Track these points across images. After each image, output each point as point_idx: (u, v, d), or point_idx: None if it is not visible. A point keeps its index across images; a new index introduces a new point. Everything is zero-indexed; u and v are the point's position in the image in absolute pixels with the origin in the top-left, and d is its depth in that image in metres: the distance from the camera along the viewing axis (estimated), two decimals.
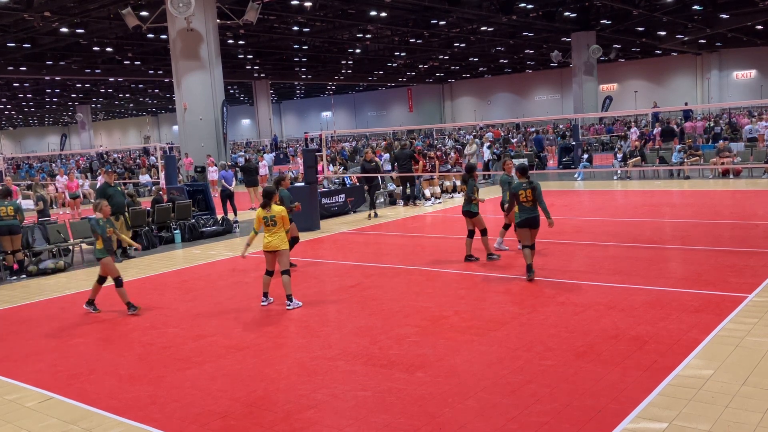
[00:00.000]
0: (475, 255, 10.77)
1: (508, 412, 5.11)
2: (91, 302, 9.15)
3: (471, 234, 10.74)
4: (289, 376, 6.23)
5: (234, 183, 19.11)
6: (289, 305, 8.54)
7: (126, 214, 13.71)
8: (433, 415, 5.15)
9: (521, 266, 10.14)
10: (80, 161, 49.59)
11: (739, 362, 5.79)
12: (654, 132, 30.10)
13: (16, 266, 12.14)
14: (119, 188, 14.33)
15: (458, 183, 19.91)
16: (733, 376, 5.51)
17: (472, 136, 35.37)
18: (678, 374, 5.61)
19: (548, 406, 5.18)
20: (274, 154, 43.07)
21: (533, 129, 45.99)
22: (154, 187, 20.30)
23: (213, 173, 22.90)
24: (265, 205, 8.56)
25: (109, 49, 39.31)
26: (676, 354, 6.07)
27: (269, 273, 8.69)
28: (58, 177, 25.70)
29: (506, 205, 10.42)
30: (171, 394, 5.99)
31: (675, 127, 29.65)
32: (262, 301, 8.85)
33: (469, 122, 65.26)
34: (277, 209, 8.56)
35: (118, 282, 8.84)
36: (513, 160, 12.73)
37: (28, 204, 20.03)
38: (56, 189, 24.97)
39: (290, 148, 51.02)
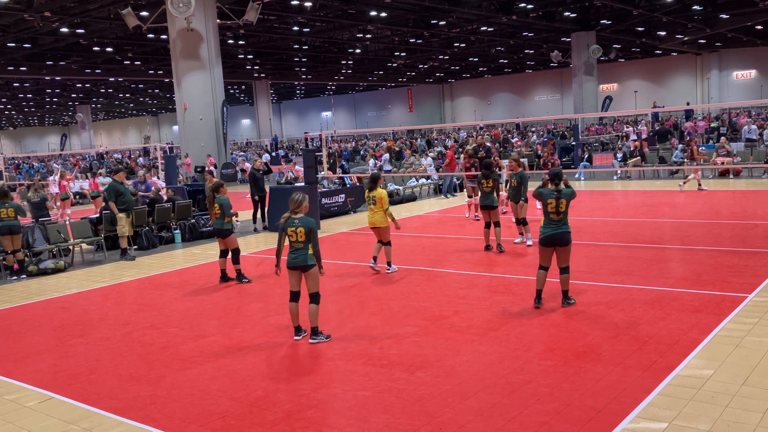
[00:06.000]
0: (491, 245, 11.51)
1: (508, 412, 5.11)
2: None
3: (488, 225, 11.42)
4: (289, 376, 6.23)
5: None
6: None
7: (133, 212, 13.80)
8: (433, 415, 5.15)
9: (522, 265, 10.16)
10: (80, 163, 49.35)
11: (739, 362, 5.79)
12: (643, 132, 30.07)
13: (16, 266, 12.15)
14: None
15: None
16: (733, 376, 5.51)
17: (468, 136, 35.47)
18: (678, 374, 5.62)
19: (548, 406, 5.18)
20: (273, 153, 42.96)
21: (533, 129, 46.03)
22: (152, 188, 20.19)
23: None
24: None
25: (109, 49, 39.32)
26: (676, 354, 6.07)
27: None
28: (51, 177, 25.43)
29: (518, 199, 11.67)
30: (171, 394, 5.99)
31: (671, 127, 29.65)
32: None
33: (469, 122, 65.26)
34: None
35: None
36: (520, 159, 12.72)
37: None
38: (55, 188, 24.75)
39: (281, 150, 48.51)
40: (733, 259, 9.66)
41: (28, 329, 8.59)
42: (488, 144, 23.32)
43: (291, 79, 63.32)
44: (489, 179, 11.24)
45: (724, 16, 40.92)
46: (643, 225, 13.25)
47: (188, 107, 26.60)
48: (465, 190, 17.13)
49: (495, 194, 11.27)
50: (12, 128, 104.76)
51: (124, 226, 13.29)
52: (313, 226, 7.05)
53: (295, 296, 7.18)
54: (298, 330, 7.32)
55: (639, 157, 22.48)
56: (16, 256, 12.09)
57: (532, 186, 9.46)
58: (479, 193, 11.58)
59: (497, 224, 11.34)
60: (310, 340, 7.14)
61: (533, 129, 47.81)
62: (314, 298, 7.10)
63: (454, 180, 21.83)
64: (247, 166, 24.49)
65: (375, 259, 10.46)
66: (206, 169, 23.09)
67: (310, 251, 7.01)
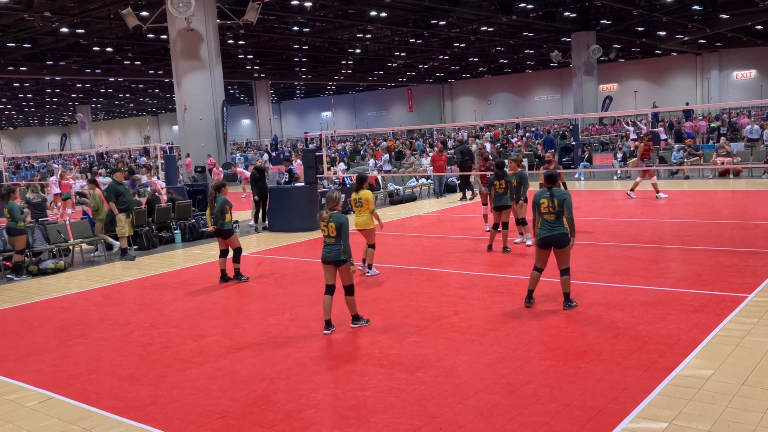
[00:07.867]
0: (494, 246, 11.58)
1: (508, 412, 5.11)
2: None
3: (496, 227, 11.50)
4: (289, 376, 6.23)
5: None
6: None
7: (133, 212, 13.80)
8: (433, 415, 5.15)
9: (522, 265, 10.16)
10: (80, 163, 49.27)
11: (739, 362, 5.79)
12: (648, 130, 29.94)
13: (9, 264, 12.12)
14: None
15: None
16: (733, 376, 5.51)
17: (468, 136, 35.46)
18: (678, 374, 5.62)
19: (548, 406, 5.18)
20: (273, 154, 42.82)
21: (533, 129, 46.01)
22: (149, 188, 20.18)
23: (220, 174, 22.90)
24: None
25: (109, 49, 39.29)
26: (676, 354, 6.07)
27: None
28: (51, 178, 25.40)
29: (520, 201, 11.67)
30: (171, 394, 5.99)
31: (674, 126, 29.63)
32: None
33: (469, 122, 65.25)
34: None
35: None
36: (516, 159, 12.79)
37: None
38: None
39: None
40: (733, 259, 9.66)
41: (28, 329, 8.59)
42: (469, 144, 23.51)
43: (291, 79, 63.28)
44: (502, 180, 11.20)
45: (724, 16, 40.89)
46: (643, 225, 13.25)
47: (188, 107, 26.58)
48: (480, 196, 14.91)
49: (509, 194, 11.25)
50: (12, 128, 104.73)
51: (124, 227, 13.29)
52: (344, 223, 7.25)
53: (329, 289, 7.42)
54: (328, 324, 7.47)
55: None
56: (14, 258, 12.05)
57: (533, 187, 9.48)
58: (492, 196, 11.42)
59: (505, 225, 11.37)
60: (352, 325, 7.53)
61: (533, 129, 47.81)
62: (348, 290, 7.42)
63: (453, 180, 21.83)
64: (240, 170, 24.02)
65: (364, 261, 10.38)
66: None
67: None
